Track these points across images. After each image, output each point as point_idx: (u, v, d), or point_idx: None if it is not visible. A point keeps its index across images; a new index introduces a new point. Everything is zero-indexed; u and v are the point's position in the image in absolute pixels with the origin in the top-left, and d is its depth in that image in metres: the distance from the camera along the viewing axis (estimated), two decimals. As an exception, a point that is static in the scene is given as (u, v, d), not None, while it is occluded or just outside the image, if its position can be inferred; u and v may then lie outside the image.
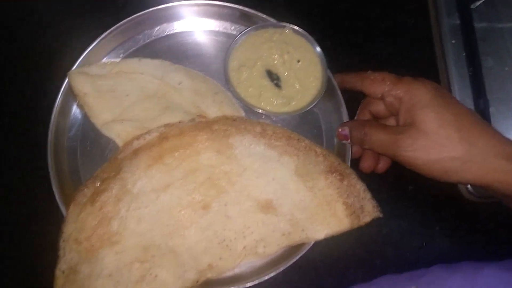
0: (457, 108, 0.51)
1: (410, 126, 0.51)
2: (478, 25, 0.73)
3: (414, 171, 0.52)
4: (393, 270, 0.56)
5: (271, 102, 0.62)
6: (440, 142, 0.49)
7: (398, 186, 0.68)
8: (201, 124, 0.59)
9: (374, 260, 0.66)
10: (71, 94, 0.61)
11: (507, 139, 0.50)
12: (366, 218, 0.57)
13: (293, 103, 0.62)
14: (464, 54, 0.71)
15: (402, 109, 0.53)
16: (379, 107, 0.59)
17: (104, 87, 0.61)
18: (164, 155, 0.57)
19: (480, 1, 0.73)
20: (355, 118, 0.63)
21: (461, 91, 0.69)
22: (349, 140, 0.58)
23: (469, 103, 0.68)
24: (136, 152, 0.57)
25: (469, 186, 0.66)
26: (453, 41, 0.72)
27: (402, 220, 0.67)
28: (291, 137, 0.60)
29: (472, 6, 0.73)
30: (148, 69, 0.63)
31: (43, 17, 0.69)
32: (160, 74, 0.63)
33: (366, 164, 0.60)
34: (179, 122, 0.60)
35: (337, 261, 0.65)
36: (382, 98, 0.55)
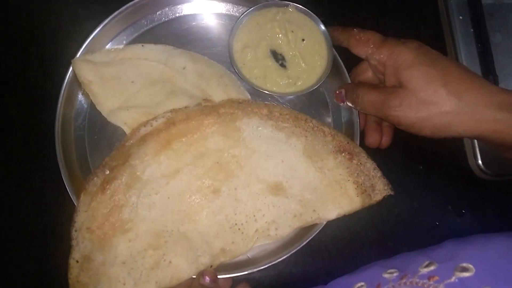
0: (443, 63, 0.51)
1: (396, 88, 0.51)
2: (485, 0, 0.71)
3: (406, 131, 0.52)
4: (406, 250, 0.56)
5: (277, 82, 0.61)
6: (428, 99, 0.49)
7: (408, 166, 0.68)
8: (208, 108, 0.59)
9: (386, 241, 0.66)
10: (76, 83, 0.61)
11: (497, 88, 0.49)
12: (377, 196, 0.57)
13: (299, 83, 0.61)
14: (472, 30, 0.70)
15: (387, 73, 0.53)
16: (367, 75, 0.60)
17: (108, 74, 0.61)
18: (172, 141, 0.56)
19: (487, -24, 0.72)
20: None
21: (470, 67, 0.67)
22: (345, 103, 0.59)
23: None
24: (144, 139, 0.57)
25: (480, 163, 0.65)
26: (461, 17, 0.70)
27: (413, 200, 0.67)
28: (298, 117, 0.60)
29: (479, -19, 0.71)
30: (151, 55, 0.63)
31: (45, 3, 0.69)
32: (164, 59, 0.63)
33: (371, 139, 0.60)
34: (186, 107, 0.60)
35: (349, 243, 0.65)
36: (366, 59, 0.56)
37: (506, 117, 0.47)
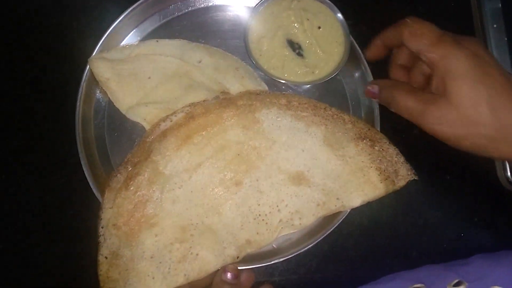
0: (495, 81, 0.46)
1: (440, 96, 0.48)
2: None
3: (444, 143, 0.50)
4: (429, 261, 0.55)
5: (295, 72, 0.61)
6: (470, 118, 0.46)
7: (435, 175, 0.67)
8: (226, 101, 0.59)
9: (409, 251, 0.65)
10: (93, 81, 0.61)
11: None
12: (401, 182, 0.56)
13: (317, 72, 0.61)
14: (506, 38, 0.68)
15: (435, 75, 0.49)
16: (404, 58, 0.56)
17: (125, 71, 0.61)
18: (192, 135, 0.56)
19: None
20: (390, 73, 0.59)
21: None
22: (376, 99, 0.56)
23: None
24: (164, 134, 0.57)
25: (509, 175, 0.64)
26: (495, 25, 0.69)
27: (438, 211, 0.66)
28: (317, 106, 0.59)
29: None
30: (166, 50, 0.62)
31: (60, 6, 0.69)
32: (179, 53, 0.62)
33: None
34: (204, 101, 0.59)
35: (372, 252, 0.65)
36: (418, 54, 0.51)
37: None
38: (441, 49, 0.48)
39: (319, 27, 0.61)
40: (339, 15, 0.61)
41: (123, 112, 0.61)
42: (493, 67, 0.47)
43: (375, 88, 0.55)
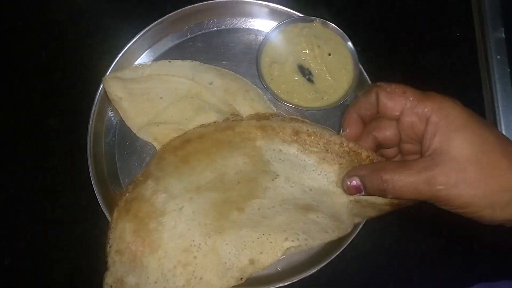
0: (494, 129, 0.41)
1: (438, 155, 0.41)
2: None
3: (460, 214, 0.42)
4: (430, 286, 0.56)
5: (305, 97, 0.62)
6: (487, 172, 0.39)
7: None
8: (223, 124, 0.58)
9: (411, 276, 0.65)
10: (106, 100, 0.62)
11: None
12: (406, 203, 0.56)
13: (326, 98, 0.62)
14: (509, 70, 0.70)
15: (430, 132, 0.42)
16: (388, 132, 0.47)
17: (137, 91, 0.62)
18: (189, 158, 0.56)
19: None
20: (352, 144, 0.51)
21: (505, 107, 0.68)
22: (363, 193, 0.47)
23: (513, 120, 0.68)
24: (162, 156, 0.57)
25: None
26: (498, 57, 0.70)
27: (440, 237, 0.67)
28: (330, 141, 0.52)
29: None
30: (179, 71, 0.64)
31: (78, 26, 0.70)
32: (191, 74, 0.63)
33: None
34: (214, 122, 0.60)
35: (374, 277, 0.65)
36: (399, 116, 0.44)
37: None
38: (433, 102, 0.42)
39: (330, 54, 0.62)
40: (350, 43, 0.62)
41: (134, 131, 0.61)
42: (485, 121, 0.42)
43: (355, 180, 0.47)
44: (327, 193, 0.52)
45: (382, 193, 0.44)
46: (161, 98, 0.62)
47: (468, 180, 0.39)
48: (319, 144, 0.53)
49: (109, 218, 0.56)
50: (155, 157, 0.58)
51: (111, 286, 0.52)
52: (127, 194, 0.56)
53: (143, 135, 0.61)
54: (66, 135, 0.65)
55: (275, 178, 0.55)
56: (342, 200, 0.52)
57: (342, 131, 0.50)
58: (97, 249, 0.56)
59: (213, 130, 0.58)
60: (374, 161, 0.50)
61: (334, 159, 0.52)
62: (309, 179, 0.53)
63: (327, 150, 0.52)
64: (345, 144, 0.51)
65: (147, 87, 0.62)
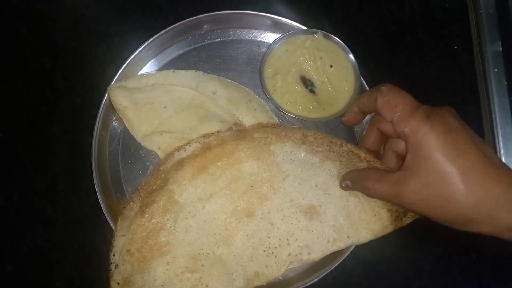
0: (468, 157, 0.44)
1: (411, 174, 0.47)
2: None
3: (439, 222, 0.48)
4: None
5: (307, 107, 0.63)
6: (443, 197, 0.45)
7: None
8: (242, 133, 0.60)
9: (411, 285, 0.66)
10: (111, 108, 0.62)
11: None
12: (408, 220, 0.57)
13: (327, 108, 0.63)
14: (505, 82, 0.71)
15: (408, 147, 0.48)
16: (388, 127, 0.54)
17: (142, 100, 0.62)
18: (207, 165, 0.58)
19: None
20: (363, 133, 0.61)
21: (503, 120, 0.69)
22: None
23: (510, 132, 0.69)
24: (181, 163, 0.58)
25: None
26: (496, 70, 0.71)
27: (439, 246, 0.68)
28: (332, 142, 0.60)
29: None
30: (182, 80, 0.64)
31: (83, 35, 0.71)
32: (194, 84, 0.64)
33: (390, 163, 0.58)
34: (218, 132, 0.61)
35: (374, 285, 0.66)
36: (391, 123, 0.50)
37: None
38: (413, 123, 0.47)
39: (331, 66, 0.64)
40: (351, 55, 0.63)
41: (138, 140, 0.62)
42: (466, 143, 0.45)
43: (348, 183, 0.56)
44: (329, 187, 0.58)
45: (368, 196, 0.54)
46: (165, 107, 0.63)
47: (427, 201, 0.46)
48: (324, 144, 0.60)
49: (113, 226, 0.57)
50: (171, 164, 0.59)
51: (118, 283, 0.53)
52: (131, 203, 0.57)
53: (147, 143, 0.62)
54: (70, 143, 0.66)
55: (286, 177, 0.59)
56: (342, 191, 0.58)
57: (343, 117, 0.60)
58: (99, 257, 0.57)
59: (234, 137, 0.59)
60: (371, 162, 0.58)
61: (335, 157, 0.59)
62: (315, 175, 0.58)
63: (330, 149, 0.59)
64: (344, 145, 0.59)
65: (151, 96, 0.63)
